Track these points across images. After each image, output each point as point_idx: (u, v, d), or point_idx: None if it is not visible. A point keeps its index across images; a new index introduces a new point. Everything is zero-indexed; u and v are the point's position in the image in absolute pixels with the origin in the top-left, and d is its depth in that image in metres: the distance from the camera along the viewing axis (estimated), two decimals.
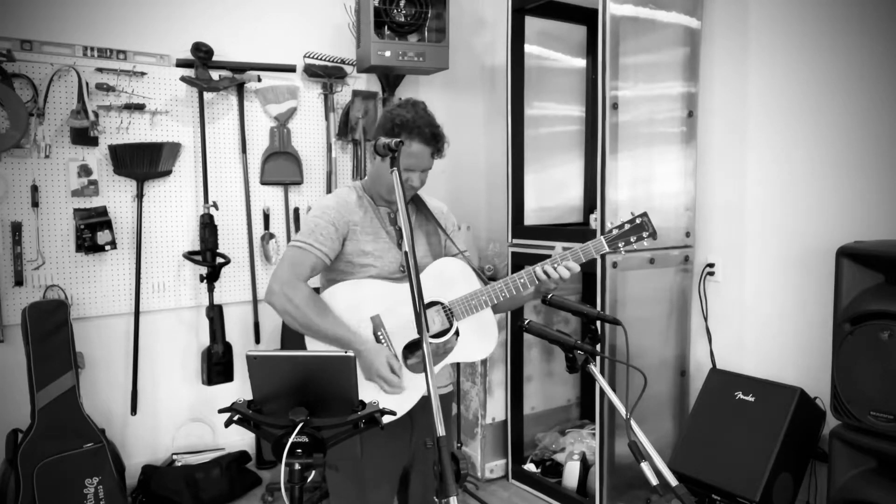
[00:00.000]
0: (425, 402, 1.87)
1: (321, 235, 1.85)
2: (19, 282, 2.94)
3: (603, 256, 2.76)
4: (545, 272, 1.86)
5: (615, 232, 1.92)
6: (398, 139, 1.74)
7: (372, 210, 1.96)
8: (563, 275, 1.85)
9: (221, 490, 3.16)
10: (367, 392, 1.77)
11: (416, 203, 2.06)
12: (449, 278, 1.93)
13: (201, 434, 3.43)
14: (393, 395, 1.79)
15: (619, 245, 1.91)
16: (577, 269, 1.88)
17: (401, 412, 1.82)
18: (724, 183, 2.98)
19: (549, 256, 1.92)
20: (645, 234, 1.91)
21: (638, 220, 1.91)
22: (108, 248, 3.07)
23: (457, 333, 1.92)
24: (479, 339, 1.94)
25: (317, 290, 1.91)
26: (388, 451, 1.88)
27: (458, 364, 3.48)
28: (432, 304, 1.90)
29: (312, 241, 1.85)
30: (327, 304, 1.86)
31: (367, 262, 1.89)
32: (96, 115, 3.06)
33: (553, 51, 3.62)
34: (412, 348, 1.87)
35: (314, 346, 1.85)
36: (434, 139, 1.89)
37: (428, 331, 1.71)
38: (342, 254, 1.90)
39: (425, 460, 1.96)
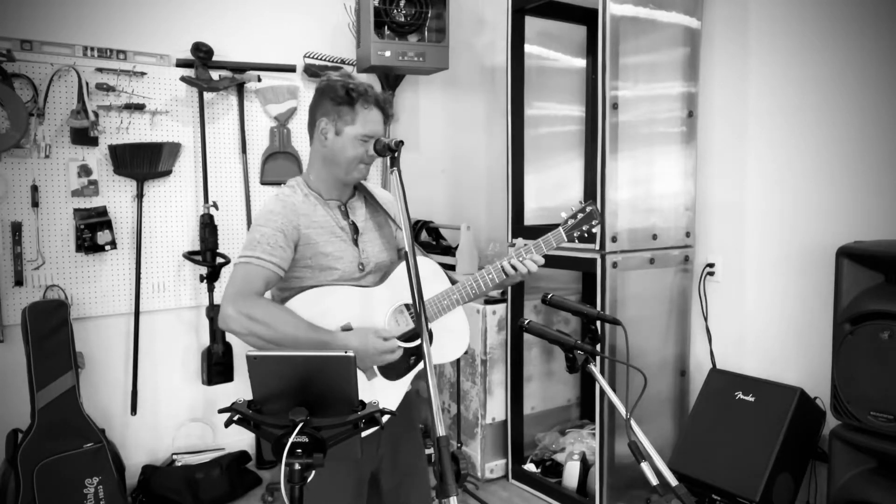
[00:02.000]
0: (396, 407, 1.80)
1: (268, 245, 1.72)
2: (19, 282, 2.94)
3: (603, 256, 2.77)
4: (513, 266, 1.86)
5: (570, 222, 1.96)
6: (399, 140, 1.71)
7: (322, 207, 1.83)
8: (530, 268, 1.86)
9: (221, 490, 3.16)
10: (366, 394, 1.76)
11: (362, 193, 1.94)
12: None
13: (201, 434, 3.43)
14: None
15: (575, 235, 1.95)
16: (542, 261, 1.88)
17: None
18: (724, 183, 2.98)
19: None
20: (594, 222, 1.96)
21: (588, 209, 1.96)
22: (108, 248, 3.07)
23: (429, 335, 1.86)
24: (452, 339, 1.90)
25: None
26: (356, 461, 1.78)
27: (458, 364, 3.48)
28: (401, 306, 1.85)
29: (260, 254, 1.71)
30: (295, 312, 1.73)
31: (329, 265, 1.79)
32: (96, 115, 3.06)
33: (553, 51, 3.62)
34: None
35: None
36: (385, 103, 1.85)
37: (429, 328, 1.70)
38: (298, 258, 1.77)
39: (395, 461, 1.90)
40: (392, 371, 1.80)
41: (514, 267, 1.85)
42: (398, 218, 1.95)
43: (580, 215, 1.96)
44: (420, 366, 1.85)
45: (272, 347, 1.66)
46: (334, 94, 1.79)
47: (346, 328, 1.76)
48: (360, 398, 1.42)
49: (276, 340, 1.66)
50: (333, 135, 1.80)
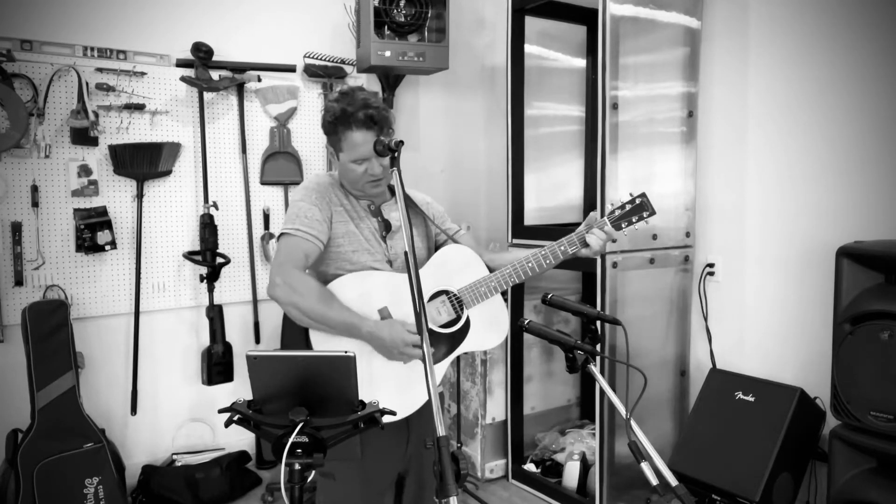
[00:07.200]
0: (422, 407, 1.81)
1: (307, 218, 1.80)
2: (19, 282, 2.94)
3: (603, 256, 2.77)
4: (562, 251, 1.85)
5: (617, 213, 1.89)
6: (399, 140, 1.73)
7: (353, 200, 1.91)
8: (605, 238, 1.84)
9: (221, 490, 3.16)
10: (375, 394, 1.76)
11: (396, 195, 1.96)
12: (456, 265, 1.89)
13: (201, 434, 3.43)
14: (401, 396, 1.74)
15: (623, 226, 1.88)
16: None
17: (409, 411, 1.78)
18: (724, 183, 2.98)
19: None
20: (646, 214, 1.89)
21: (638, 200, 1.89)
22: (108, 248, 3.06)
23: (467, 322, 1.88)
24: (490, 327, 1.91)
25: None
26: (385, 459, 1.84)
27: (457, 363, 3.48)
28: (440, 292, 1.87)
29: (300, 226, 1.79)
30: (333, 293, 1.80)
31: (358, 247, 1.84)
32: (96, 115, 3.06)
33: (553, 51, 3.62)
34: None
35: (320, 341, 1.79)
36: (372, 121, 1.77)
37: (428, 327, 1.70)
38: (332, 238, 1.84)
39: (420, 465, 1.93)
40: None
41: (538, 263, 1.85)
42: (429, 214, 2.01)
43: (628, 206, 1.88)
44: (458, 350, 1.88)
45: (308, 318, 1.74)
46: (324, 124, 1.85)
47: (384, 312, 1.79)
48: (360, 398, 1.42)
49: (310, 314, 1.73)
50: (336, 158, 1.88)
